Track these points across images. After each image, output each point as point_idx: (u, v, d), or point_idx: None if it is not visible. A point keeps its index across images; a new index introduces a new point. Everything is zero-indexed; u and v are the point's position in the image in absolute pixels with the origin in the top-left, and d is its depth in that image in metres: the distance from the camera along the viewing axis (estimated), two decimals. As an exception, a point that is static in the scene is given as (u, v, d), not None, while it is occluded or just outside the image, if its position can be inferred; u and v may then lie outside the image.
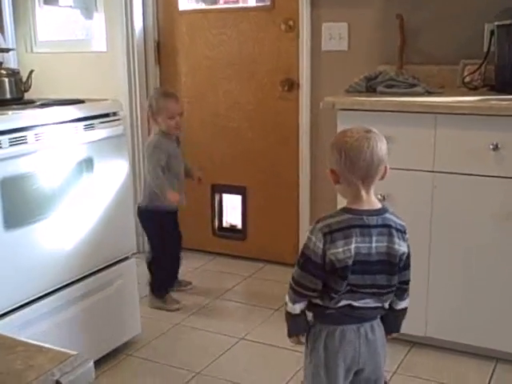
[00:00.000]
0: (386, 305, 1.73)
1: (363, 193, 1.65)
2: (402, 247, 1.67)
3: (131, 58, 3.54)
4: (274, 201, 3.47)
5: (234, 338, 2.68)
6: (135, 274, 2.58)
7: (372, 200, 1.68)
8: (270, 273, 3.40)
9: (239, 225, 3.64)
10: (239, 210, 3.61)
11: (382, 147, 1.63)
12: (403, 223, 1.71)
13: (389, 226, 1.66)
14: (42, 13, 3.82)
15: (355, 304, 1.66)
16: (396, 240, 1.66)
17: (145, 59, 3.59)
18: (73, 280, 2.28)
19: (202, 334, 2.73)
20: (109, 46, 3.61)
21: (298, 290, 1.67)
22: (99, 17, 3.62)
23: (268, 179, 3.46)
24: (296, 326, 1.74)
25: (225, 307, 3.01)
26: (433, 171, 2.37)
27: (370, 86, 2.66)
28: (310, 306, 1.72)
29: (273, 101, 3.35)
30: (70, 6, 3.84)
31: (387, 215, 1.68)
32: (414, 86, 2.59)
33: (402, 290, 1.75)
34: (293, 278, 1.68)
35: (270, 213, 3.50)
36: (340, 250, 1.61)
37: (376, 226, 1.64)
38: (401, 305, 1.77)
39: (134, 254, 2.56)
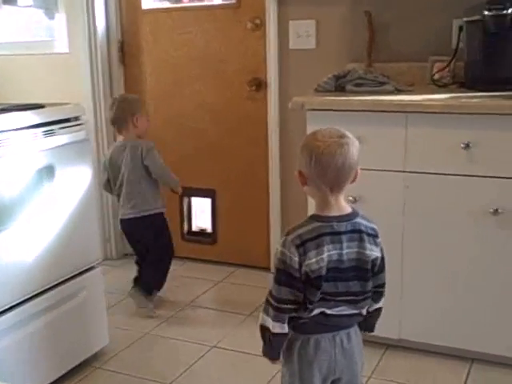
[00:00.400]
0: (364, 311, 1.67)
1: (332, 198, 1.59)
2: (373, 252, 1.62)
3: (94, 58, 3.44)
4: (244, 203, 3.41)
5: (206, 345, 2.61)
6: (102, 284, 2.49)
7: (341, 205, 1.62)
8: (241, 277, 3.33)
9: (209, 228, 3.57)
10: (209, 214, 3.54)
11: (354, 152, 1.57)
12: (375, 226, 1.66)
13: (359, 231, 1.61)
14: (1, 13, 3.69)
15: (329, 312, 1.60)
16: (367, 245, 1.61)
17: (108, 60, 3.49)
18: (35, 293, 2.18)
19: (173, 342, 2.65)
20: (71, 46, 3.50)
21: (281, 308, 1.58)
22: (60, 17, 3.51)
23: (237, 181, 3.39)
24: (277, 347, 1.64)
25: (196, 314, 2.94)
26: (404, 171, 2.32)
27: (339, 85, 2.60)
28: None
29: (241, 100, 3.28)
30: (30, 6, 3.72)
31: (358, 220, 1.62)
32: (383, 84, 2.55)
33: (378, 294, 1.71)
34: (273, 297, 1.58)
35: (240, 215, 3.44)
36: (313, 260, 1.55)
37: (346, 232, 1.59)
38: (375, 306, 1.72)
39: (99, 262, 2.47)
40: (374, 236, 1.64)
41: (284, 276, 1.56)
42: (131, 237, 3.01)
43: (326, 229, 1.57)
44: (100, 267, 2.47)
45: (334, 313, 1.61)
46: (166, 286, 3.07)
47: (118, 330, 2.73)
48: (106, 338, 2.53)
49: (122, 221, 2.95)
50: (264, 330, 1.62)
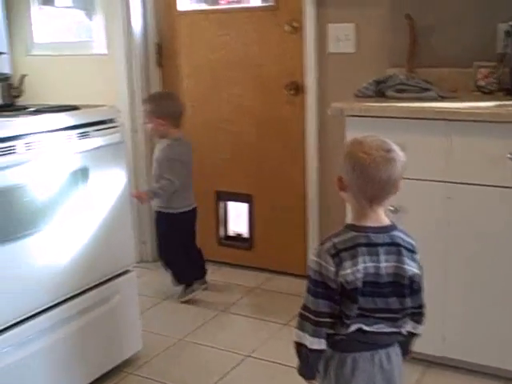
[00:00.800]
0: (404, 330, 1.60)
1: (370, 210, 1.53)
2: (412, 268, 1.55)
3: (131, 60, 3.42)
4: (281, 209, 3.35)
5: (240, 355, 2.56)
6: (135, 288, 2.46)
7: (379, 216, 1.56)
8: (277, 284, 3.28)
9: (245, 233, 3.52)
10: (245, 218, 3.49)
11: (399, 168, 1.51)
12: (413, 242, 1.59)
13: (397, 245, 1.54)
14: (40, 14, 3.71)
15: (367, 329, 1.54)
16: (406, 260, 1.54)
17: (145, 62, 3.47)
18: (68, 297, 2.17)
19: (207, 350, 2.61)
20: (109, 48, 3.49)
21: (321, 321, 1.51)
22: (99, 18, 3.51)
23: (274, 186, 3.34)
24: (314, 365, 1.57)
25: (230, 321, 2.89)
26: (446, 181, 2.24)
27: (380, 91, 2.53)
28: None
29: (279, 104, 3.23)
30: (69, 7, 3.74)
31: (396, 233, 1.56)
32: (426, 90, 2.46)
33: (418, 315, 1.63)
34: (310, 311, 1.51)
35: (277, 221, 3.38)
36: (348, 271, 1.48)
37: (383, 244, 1.52)
38: (419, 329, 1.65)
39: (134, 266, 2.44)
40: (412, 252, 1.57)
41: (321, 288, 1.50)
42: (192, 227, 3.13)
43: (361, 239, 1.52)
44: (134, 271, 2.44)
45: (372, 330, 1.54)
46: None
47: (151, 334, 2.70)
48: (139, 343, 2.50)
49: (190, 211, 3.09)
50: (300, 346, 1.55)
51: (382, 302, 1.53)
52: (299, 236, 3.29)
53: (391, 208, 2.28)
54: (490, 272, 2.23)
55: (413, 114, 2.24)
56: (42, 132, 2.02)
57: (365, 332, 1.54)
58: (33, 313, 2.05)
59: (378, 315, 1.53)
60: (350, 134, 2.33)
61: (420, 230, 2.27)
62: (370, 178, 1.48)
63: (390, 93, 2.49)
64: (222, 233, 3.56)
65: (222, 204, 3.53)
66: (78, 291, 2.21)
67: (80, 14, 3.70)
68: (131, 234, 2.41)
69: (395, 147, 1.52)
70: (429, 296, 2.25)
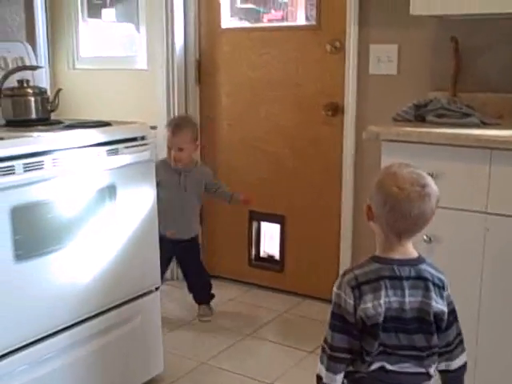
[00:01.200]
0: (432, 370, 1.50)
1: (397, 244, 1.46)
2: (439, 305, 1.47)
3: (171, 76, 3.41)
4: (313, 231, 3.28)
5: (263, 382, 2.48)
6: (158, 309, 2.42)
7: (407, 249, 1.49)
8: (307, 309, 3.19)
9: (277, 255, 3.45)
10: (277, 240, 3.43)
11: (433, 204, 1.45)
12: (443, 277, 1.51)
13: (425, 279, 1.47)
14: (85, 27, 3.75)
15: (389, 367, 1.45)
16: (433, 295, 1.46)
17: (185, 78, 3.46)
18: (90, 315, 2.14)
19: (229, 376, 2.54)
20: (149, 63, 3.50)
21: (336, 357, 1.45)
22: (141, 33, 3.52)
23: (308, 208, 3.26)
24: None
25: (256, 346, 2.82)
26: (486, 212, 2.12)
27: (419, 115, 2.44)
28: None
29: (316, 125, 3.16)
30: (114, 21, 3.77)
31: (423, 266, 1.49)
32: (467, 115, 2.36)
33: (449, 352, 1.54)
34: (327, 344, 1.46)
35: (309, 244, 3.30)
36: (369, 305, 1.42)
37: (408, 278, 1.45)
38: (457, 363, 1.56)
39: (157, 287, 2.40)
40: (440, 287, 1.49)
41: (338, 321, 1.45)
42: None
43: (385, 271, 1.45)
44: (158, 292, 2.40)
45: (395, 369, 1.46)
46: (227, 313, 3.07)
47: (174, 356, 2.65)
48: (161, 364, 2.45)
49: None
50: (318, 380, 1.49)
51: (405, 338, 1.45)
52: (331, 260, 3.20)
53: (425, 238, 2.19)
54: (529, 310, 2.11)
55: (451, 141, 2.14)
56: (71, 148, 2.00)
57: (387, 371, 1.46)
58: (54, 330, 2.03)
59: (401, 352, 1.46)
60: (386, 160, 2.25)
61: (454, 261, 2.19)
62: (401, 214, 1.42)
63: (430, 117, 2.40)
64: (253, 253, 3.50)
65: (255, 224, 3.47)
66: (101, 310, 2.17)
67: (125, 28, 3.72)
68: (157, 253, 2.37)
69: (430, 181, 1.45)
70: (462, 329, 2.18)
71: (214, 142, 3.49)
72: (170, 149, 2.91)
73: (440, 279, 1.50)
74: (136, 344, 2.32)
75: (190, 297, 3.13)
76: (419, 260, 1.50)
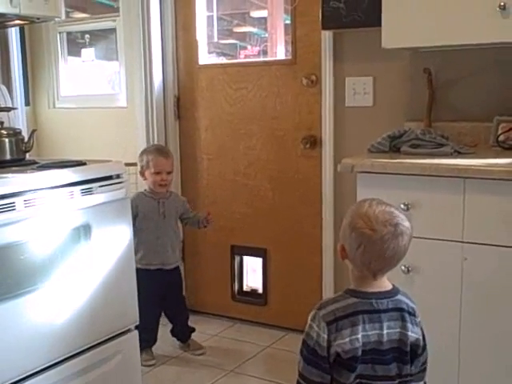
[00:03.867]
0: None
1: (372, 280, 1.47)
2: (414, 334, 1.48)
3: (150, 113, 3.43)
4: (296, 264, 3.27)
5: (245, 419, 2.45)
6: (137, 348, 2.39)
7: (382, 282, 1.50)
8: (291, 342, 3.15)
9: (260, 289, 3.43)
10: (260, 273, 3.41)
11: (407, 242, 1.45)
12: (415, 306, 1.53)
13: (401, 310, 1.48)
14: (65, 67, 3.78)
15: None
16: (409, 325, 1.47)
17: (164, 114, 3.47)
18: (66, 356, 2.11)
19: (210, 415, 2.51)
20: (129, 101, 3.52)
21: None
22: (120, 72, 3.54)
23: (290, 241, 3.26)
24: None
25: (240, 381, 2.77)
26: (462, 241, 2.13)
27: (394, 146, 2.46)
28: None
29: (295, 158, 3.18)
30: (93, 60, 3.80)
31: (399, 297, 1.50)
32: (441, 145, 2.38)
33: (419, 377, 1.54)
34: (300, 375, 1.46)
35: (292, 276, 3.29)
36: (347, 340, 1.41)
37: (386, 311, 1.46)
38: None
39: (136, 325, 2.37)
40: (414, 315, 1.50)
41: (308, 353, 1.44)
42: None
43: (363, 306, 1.45)
44: (136, 330, 2.37)
45: None
46: (210, 348, 3.01)
47: (155, 395, 2.61)
48: (141, 405, 2.42)
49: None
50: None
51: (381, 369, 1.46)
52: (315, 292, 3.18)
53: (403, 268, 2.19)
54: (507, 338, 2.10)
55: (425, 171, 2.15)
56: (44, 188, 1.99)
57: None
58: (31, 372, 2.00)
59: (376, 383, 1.44)
60: (362, 192, 2.27)
61: (432, 291, 2.19)
62: (376, 255, 1.43)
63: (404, 148, 2.42)
64: (236, 288, 3.48)
65: (237, 258, 3.45)
66: (78, 350, 2.15)
67: (104, 67, 3.75)
68: (134, 292, 2.35)
69: (402, 218, 1.46)
70: (441, 362, 2.17)
71: (195, 176, 3.49)
72: (157, 174, 2.93)
73: (413, 308, 1.51)
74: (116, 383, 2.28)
75: (168, 333, 3.10)
76: (394, 291, 1.50)
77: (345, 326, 1.42)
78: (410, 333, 1.47)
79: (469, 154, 2.35)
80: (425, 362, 1.56)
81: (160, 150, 3.04)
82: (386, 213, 1.45)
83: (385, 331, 1.44)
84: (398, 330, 1.46)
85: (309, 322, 1.47)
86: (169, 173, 2.97)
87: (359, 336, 1.41)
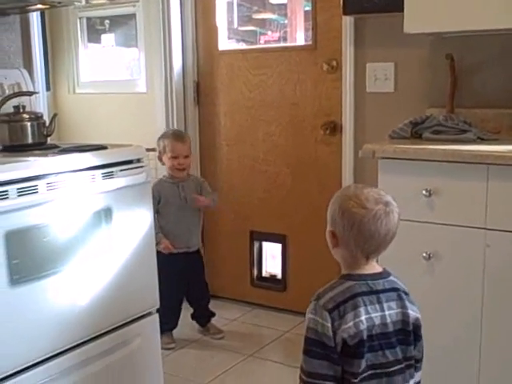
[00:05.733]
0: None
1: (365, 263, 1.47)
2: (414, 312, 1.48)
3: (170, 98, 3.43)
4: (315, 250, 3.26)
5: (265, 403, 2.46)
6: (158, 331, 2.39)
7: (374, 265, 1.49)
8: (309, 328, 3.16)
9: (279, 274, 3.43)
10: (279, 259, 3.41)
11: (397, 220, 1.45)
12: (405, 288, 1.52)
13: (397, 290, 1.47)
14: (85, 53, 3.79)
15: None
16: (408, 304, 1.47)
17: (184, 100, 3.48)
18: (87, 338, 2.11)
19: (230, 397, 2.53)
20: (148, 86, 3.52)
21: (309, 382, 1.41)
22: (140, 57, 3.55)
23: (309, 227, 3.25)
24: None
25: (259, 366, 2.79)
26: (485, 228, 2.11)
27: (416, 132, 2.44)
28: None
29: (314, 145, 3.17)
30: (112, 46, 3.80)
31: (392, 278, 1.49)
32: (464, 131, 2.36)
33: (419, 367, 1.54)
34: (304, 372, 1.42)
35: (310, 262, 3.29)
36: (351, 323, 1.39)
37: (384, 291, 1.45)
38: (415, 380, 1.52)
39: (157, 309, 2.39)
40: (408, 295, 1.50)
41: (315, 346, 1.40)
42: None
43: (360, 287, 1.44)
44: (156, 314, 2.38)
45: None
46: (229, 333, 3.03)
47: (175, 378, 2.64)
48: (161, 387, 2.43)
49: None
50: None
51: (391, 353, 1.44)
52: (333, 278, 3.16)
53: (424, 255, 2.17)
54: (531, 327, 2.08)
55: (447, 157, 2.14)
56: (66, 172, 2.00)
57: None
58: (51, 354, 2.00)
59: (389, 370, 1.43)
60: (383, 178, 2.26)
61: (454, 278, 2.18)
62: (370, 235, 1.42)
63: (426, 134, 2.40)
64: (255, 273, 3.48)
65: (256, 244, 3.46)
66: (98, 333, 2.15)
67: (124, 53, 3.75)
68: (155, 275, 2.36)
69: (390, 197, 1.46)
70: (462, 349, 2.16)
71: (214, 163, 3.50)
72: (174, 158, 2.96)
73: (405, 289, 1.51)
74: (135, 367, 2.29)
75: (189, 317, 3.12)
76: (387, 273, 1.50)
77: (347, 311, 1.40)
78: (410, 311, 1.46)
79: (492, 141, 2.32)
80: (421, 359, 1.54)
81: (177, 135, 3.06)
82: (375, 192, 1.45)
83: (386, 312, 1.43)
84: (399, 309, 1.45)
85: (309, 316, 1.44)
86: (186, 157, 3.00)
87: (363, 318, 1.40)
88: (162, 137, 3.04)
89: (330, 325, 1.39)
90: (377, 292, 1.44)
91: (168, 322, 2.88)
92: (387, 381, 1.42)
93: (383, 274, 1.48)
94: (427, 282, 2.19)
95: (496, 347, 2.14)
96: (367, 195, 1.43)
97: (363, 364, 1.39)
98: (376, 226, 1.41)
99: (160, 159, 2.99)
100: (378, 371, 1.41)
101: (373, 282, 1.45)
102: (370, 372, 1.41)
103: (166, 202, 2.94)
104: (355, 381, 1.40)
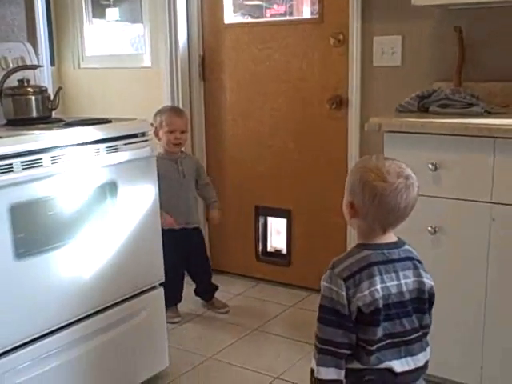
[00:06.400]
0: (427, 358, 1.49)
1: (381, 234, 1.47)
2: (429, 280, 1.49)
3: (175, 73, 3.41)
4: (320, 225, 3.26)
5: (269, 376, 2.48)
6: (163, 304, 2.42)
7: (389, 235, 1.50)
8: (314, 303, 3.10)
9: (284, 249, 3.44)
10: (284, 234, 3.41)
11: (417, 194, 1.45)
12: (419, 257, 1.53)
13: (412, 259, 1.48)
14: (90, 27, 3.76)
15: (398, 369, 1.43)
16: (422, 272, 1.48)
17: (189, 75, 3.45)
18: (93, 311, 2.14)
19: (235, 370, 2.54)
20: (153, 61, 3.50)
21: (329, 350, 1.41)
22: (145, 31, 3.52)
23: (314, 202, 3.25)
24: None
25: (262, 340, 2.81)
26: (491, 202, 2.10)
27: (423, 106, 2.42)
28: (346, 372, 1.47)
29: (320, 119, 3.15)
30: (117, 20, 3.77)
31: (407, 247, 1.50)
32: (471, 105, 2.34)
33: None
34: (318, 339, 1.43)
35: (316, 238, 3.29)
36: (366, 292, 1.40)
37: (399, 260, 1.46)
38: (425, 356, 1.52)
39: (161, 282, 2.40)
40: (422, 264, 1.51)
41: (330, 314, 1.41)
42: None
43: (376, 257, 1.44)
44: (161, 287, 2.40)
45: (404, 369, 1.44)
46: (234, 307, 3.05)
47: (179, 351, 2.65)
48: (165, 360, 2.45)
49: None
50: (311, 373, 1.47)
51: (408, 322, 1.46)
52: (338, 253, 3.15)
53: (429, 229, 2.17)
54: (536, 301, 2.08)
55: (454, 131, 2.12)
56: (70, 145, 2.00)
57: (396, 374, 1.43)
58: (57, 327, 2.03)
59: (407, 338, 1.44)
60: (389, 152, 2.23)
61: (460, 252, 2.18)
62: (390, 208, 1.41)
63: (433, 108, 2.38)
64: (260, 248, 3.49)
65: (261, 219, 3.46)
66: (104, 306, 2.17)
67: (129, 27, 3.73)
68: (160, 249, 2.36)
69: (410, 170, 1.45)
70: (467, 322, 2.16)
71: (220, 138, 3.48)
72: (171, 132, 2.94)
73: (419, 258, 1.51)
74: (141, 340, 2.32)
75: (192, 292, 3.15)
76: (402, 242, 1.51)
77: (362, 279, 1.40)
78: (425, 279, 1.47)
79: (499, 114, 2.30)
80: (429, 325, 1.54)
81: (174, 110, 3.06)
82: (396, 165, 1.44)
83: (402, 281, 1.44)
84: (415, 278, 1.46)
85: (324, 284, 1.44)
86: (182, 132, 2.98)
87: (378, 287, 1.40)
88: (159, 112, 3.01)
89: (344, 293, 1.39)
90: (392, 261, 1.44)
91: (172, 297, 2.89)
92: (405, 349, 1.44)
93: (398, 244, 1.49)
94: (432, 255, 2.18)
95: (501, 321, 2.14)
96: (388, 168, 1.42)
97: (379, 332, 1.40)
98: (396, 199, 1.40)
99: (156, 134, 2.96)
100: (396, 340, 1.43)
101: (388, 251, 1.45)
102: (387, 341, 1.42)
103: (166, 178, 2.83)
104: (371, 348, 1.41)
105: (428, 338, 1.52)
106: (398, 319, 1.43)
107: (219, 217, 3.11)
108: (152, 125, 2.97)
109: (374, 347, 1.42)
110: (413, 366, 1.46)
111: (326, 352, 1.42)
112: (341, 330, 1.40)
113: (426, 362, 1.49)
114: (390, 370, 1.43)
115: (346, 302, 1.39)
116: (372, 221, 1.45)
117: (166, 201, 2.88)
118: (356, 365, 1.45)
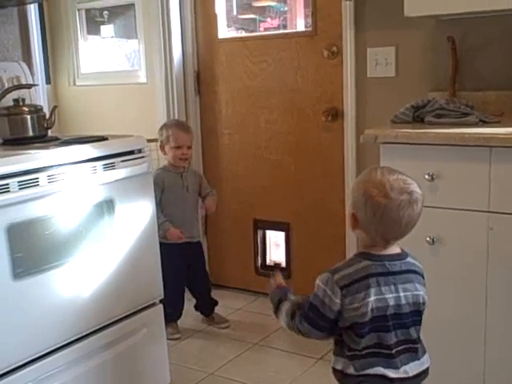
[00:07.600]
0: (427, 365, 1.51)
1: (384, 245, 1.48)
2: (424, 294, 1.51)
3: (170, 88, 3.42)
4: (319, 237, 3.26)
5: (270, 391, 2.47)
6: (162, 321, 2.41)
7: (391, 246, 1.50)
8: (314, 316, 3.16)
9: (283, 263, 3.43)
10: (283, 247, 3.41)
11: (420, 209, 1.45)
12: (421, 266, 1.54)
13: (414, 272, 1.49)
14: (85, 44, 3.78)
15: (392, 375, 1.43)
16: (420, 286, 1.49)
17: (184, 89, 3.46)
18: (93, 330, 2.13)
19: (237, 386, 2.53)
20: (149, 76, 3.51)
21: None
22: (140, 47, 3.53)
23: (312, 215, 3.25)
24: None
25: (264, 355, 2.79)
26: (488, 211, 2.10)
27: (418, 116, 2.42)
28: (337, 373, 1.50)
29: (316, 131, 3.15)
30: (112, 37, 3.79)
31: (409, 259, 1.51)
32: (466, 114, 2.34)
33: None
34: (296, 327, 1.54)
35: (315, 250, 3.28)
36: (361, 303, 1.42)
37: (400, 273, 1.46)
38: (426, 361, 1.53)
39: (161, 300, 2.39)
40: (422, 276, 1.53)
41: (316, 315, 1.46)
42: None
43: (376, 268, 1.45)
44: (161, 304, 2.39)
45: (398, 376, 1.44)
46: (234, 322, 3.03)
47: (181, 368, 2.64)
48: (167, 377, 2.44)
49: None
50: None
51: (402, 333, 1.47)
52: (338, 266, 3.17)
53: (428, 239, 2.17)
54: (536, 309, 2.08)
55: (449, 141, 2.12)
56: (67, 164, 2.00)
57: (391, 379, 1.43)
58: (56, 347, 2.02)
59: (398, 348, 1.45)
60: (385, 163, 2.23)
61: (458, 262, 2.17)
62: (392, 223, 1.42)
63: (428, 118, 2.38)
64: (259, 262, 3.48)
65: (260, 232, 3.45)
66: (103, 325, 2.16)
67: (124, 44, 3.74)
68: (158, 266, 2.36)
69: (415, 185, 1.45)
70: (467, 332, 2.15)
71: (216, 151, 3.49)
72: (178, 148, 2.94)
73: (421, 269, 1.53)
74: (141, 357, 2.31)
75: (193, 308, 3.14)
76: (405, 254, 1.51)
77: (359, 290, 1.42)
78: (421, 293, 1.49)
79: (494, 123, 2.30)
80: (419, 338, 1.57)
81: (180, 125, 3.06)
82: (401, 180, 1.43)
83: (401, 294, 1.45)
84: (414, 291, 1.47)
85: (320, 284, 1.47)
86: (189, 147, 2.99)
87: (371, 299, 1.41)
88: (165, 126, 3.02)
89: (339, 301, 1.42)
90: (393, 273, 1.45)
91: (172, 312, 2.88)
92: (400, 360, 1.45)
93: (401, 255, 1.49)
94: (431, 266, 2.16)
95: (501, 330, 2.14)
96: (393, 183, 1.41)
97: (362, 342, 1.42)
98: (398, 215, 1.40)
99: (162, 148, 2.98)
100: (386, 351, 1.44)
101: (389, 263, 1.45)
102: (377, 350, 1.43)
103: (171, 191, 2.93)
104: (361, 353, 1.43)
105: (425, 345, 1.53)
106: (394, 331, 1.45)
107: (215, 204, 3.08)
108: (156, 140, 2.98)
109: (364, 352, 1.44)
110: (410, 374, 1.46)
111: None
112: (319, 332, 1.47)
113: (426, 369, 1.50)
114: (383, 377, 1.44)
115: (337, 309, 1.42)
116: (374, 233, 1.45)
117: (171, 214, 2.89)
118: (351, 370, 1.46)
